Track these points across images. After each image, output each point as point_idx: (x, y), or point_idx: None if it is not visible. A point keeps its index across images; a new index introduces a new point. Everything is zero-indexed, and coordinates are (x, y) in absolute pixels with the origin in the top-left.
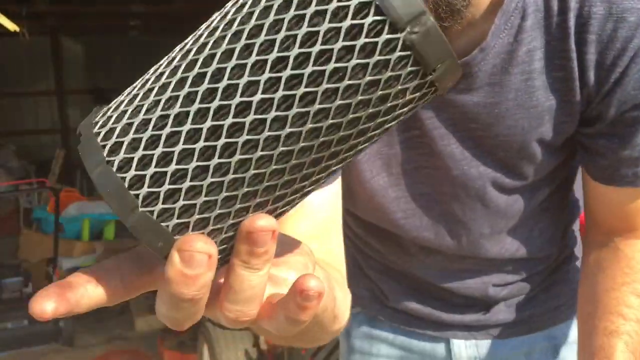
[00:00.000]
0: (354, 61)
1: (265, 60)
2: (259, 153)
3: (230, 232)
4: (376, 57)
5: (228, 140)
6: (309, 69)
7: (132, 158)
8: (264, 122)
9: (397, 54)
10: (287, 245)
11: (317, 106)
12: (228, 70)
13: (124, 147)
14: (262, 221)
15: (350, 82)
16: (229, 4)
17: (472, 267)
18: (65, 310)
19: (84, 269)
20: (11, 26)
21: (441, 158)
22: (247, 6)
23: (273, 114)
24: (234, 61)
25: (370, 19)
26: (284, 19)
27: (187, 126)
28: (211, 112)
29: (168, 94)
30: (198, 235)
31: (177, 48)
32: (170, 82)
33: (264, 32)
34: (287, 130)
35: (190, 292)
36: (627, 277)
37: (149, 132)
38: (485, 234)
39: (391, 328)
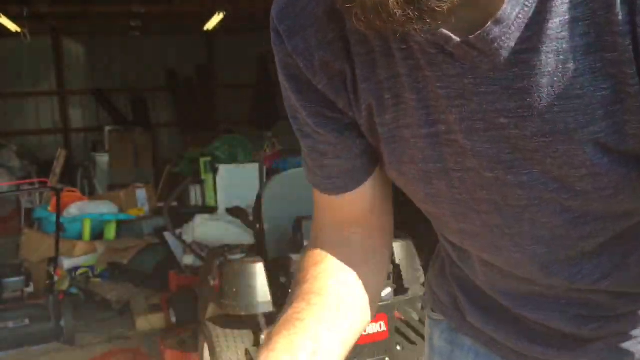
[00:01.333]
0: None
1: None
2: None
3: None
4: None
5: None
6: None
7: None
8: None
9: None
10: None
11: None
12: None
13: None
14: None
15: None
16: None
17: (545, 292)
18: None
19: None
20: (12, 27)
21: (472, 157)
22: None
23: None
24: None
25: None
26: None
27: None
28: None
29: None
30: None
31: None
32: None
33: None
34: None
35: None
36: None
37: None
38: (541, 254)
39: (472, 345)
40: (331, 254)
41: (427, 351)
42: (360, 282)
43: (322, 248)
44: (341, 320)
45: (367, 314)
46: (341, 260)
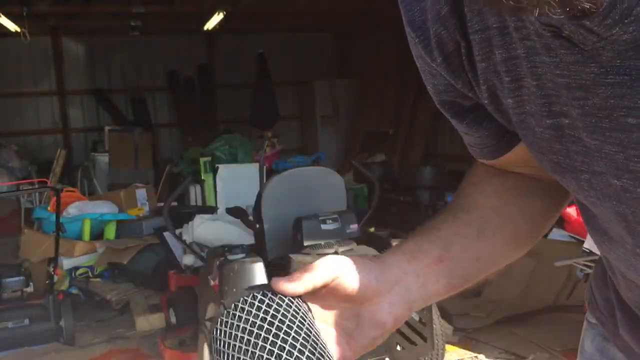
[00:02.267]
0: None
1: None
2: None
3: None
4: None
5: None
6: None
7: None
8: None
9: None
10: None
11: None
12: None
13: None
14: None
15: None
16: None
17: None
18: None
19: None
20: (12, 27)
21: (598, 159)
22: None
23: None
24: None
25: None
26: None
27: None
28: None
29: None
30: None
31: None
32: None
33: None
34: None
35: None
36: None
37: None
38: None
39: None
40: (490, 179)
41: (578, 355)
42: (513, 211)
43: (483, 172)
44: (480, 240)
45: (512, 243)
46: (499, 186)
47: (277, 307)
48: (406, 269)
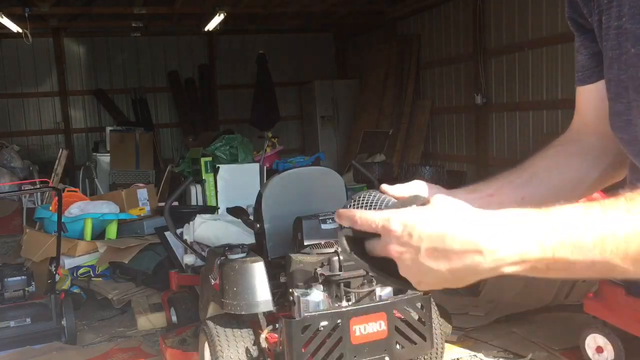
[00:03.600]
0: None
1: None
2: None
3: None
4: None
5: None
6: None
7: None
8: None
9: None
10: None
11: None
12: None
13: None
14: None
15: None
16: None
17: None
18: None
19: None
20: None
21: (631, 38)
22: None
23: None
24: None
25: None
26: None
27: None
28: None
29: None
30: None
31: None
32: None
33: None
34: None
35: None
36: None
37: None
38: None
39: None
40: (555, 146)
41: None
42: (566, 168)
43: (555, 142)
44: (526, 187)
45: (555, 192)
46: (559, 150)
47: (380, 195)
48: (464, 196)
